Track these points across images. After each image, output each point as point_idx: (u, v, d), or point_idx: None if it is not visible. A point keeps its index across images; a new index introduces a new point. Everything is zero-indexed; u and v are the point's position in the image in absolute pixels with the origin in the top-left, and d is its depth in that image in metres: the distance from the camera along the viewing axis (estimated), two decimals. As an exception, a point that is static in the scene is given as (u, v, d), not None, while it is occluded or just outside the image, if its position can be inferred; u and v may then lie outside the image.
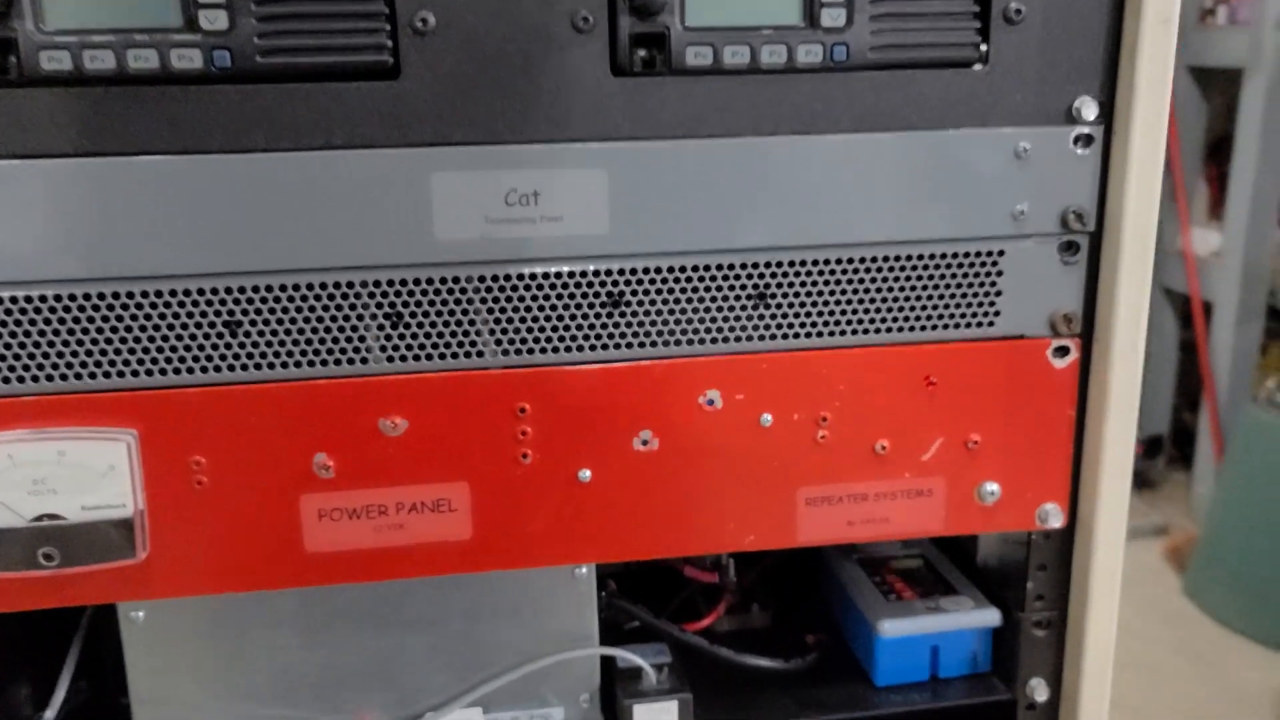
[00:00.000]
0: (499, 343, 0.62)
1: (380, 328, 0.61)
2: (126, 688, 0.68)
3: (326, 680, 0.70)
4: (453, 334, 0.62)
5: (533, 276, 0.61)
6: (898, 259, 0.65)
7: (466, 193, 0.59)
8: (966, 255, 0.65)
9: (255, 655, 0.68)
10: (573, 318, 0.62)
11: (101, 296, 0.58)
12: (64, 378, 0.59)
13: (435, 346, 0.62)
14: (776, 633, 0.83)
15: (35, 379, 0.59)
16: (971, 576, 0.80)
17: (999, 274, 0.66)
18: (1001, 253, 0.65)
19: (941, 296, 0.66)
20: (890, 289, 0.65)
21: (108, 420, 0.60)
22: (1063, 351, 0.68)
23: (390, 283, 0.60)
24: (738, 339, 0.64)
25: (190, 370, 0.60)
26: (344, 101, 0.58)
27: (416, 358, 0.62)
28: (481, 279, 0.61)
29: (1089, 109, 0.63)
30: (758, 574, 0.86)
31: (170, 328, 0.59)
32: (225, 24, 0.55)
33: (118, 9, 0.55)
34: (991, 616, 0.75)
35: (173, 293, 0.59)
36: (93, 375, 0.59)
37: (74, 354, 0.59)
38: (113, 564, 0.61)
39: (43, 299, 0.58)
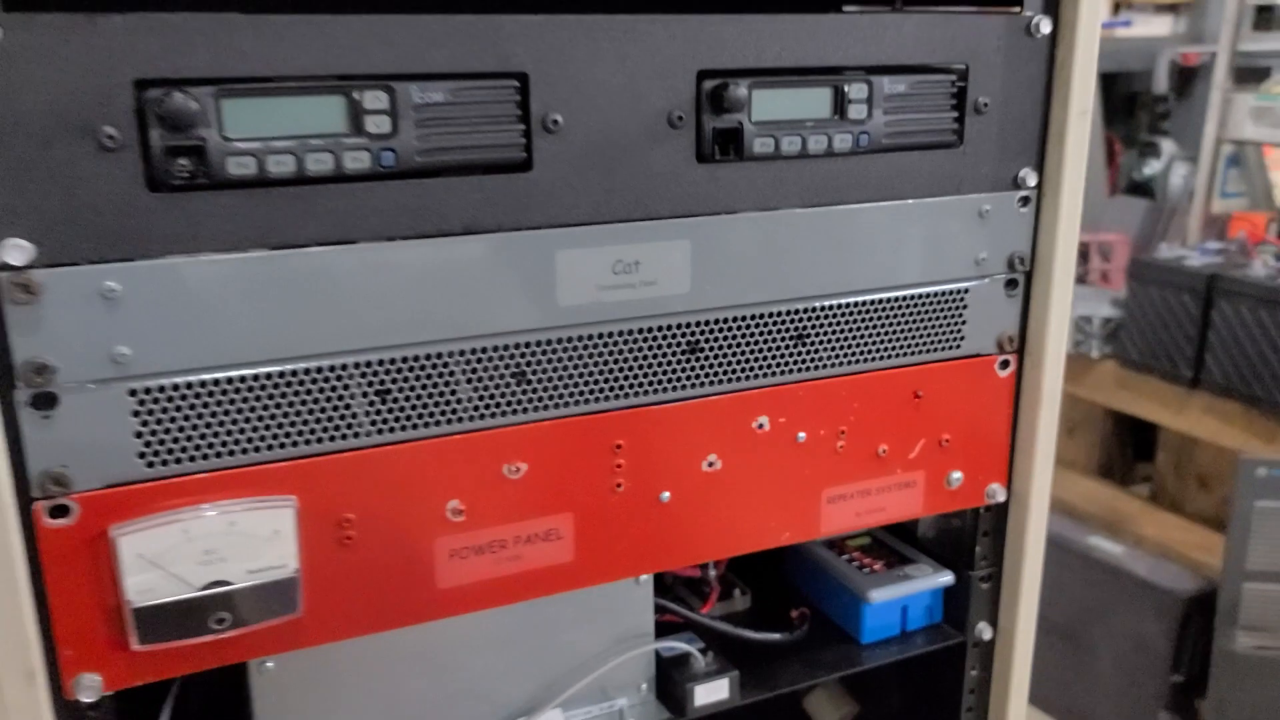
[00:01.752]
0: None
1: (498, 385, 0.69)
2: (249, 735, 0.72)
3: (431, 706, 0.77)
4: (568, 385, 0.71)
5: (633, 332, 0.72)
6: (897, 300, 0.80)
7: (584, 266, 0.69)
8: (944, 294, 0.82)
9: (371, 690, 0.74)
10: (660, 363, 0.74)
11: (269, 377, 0.63)
12: (232, 453, 0.63)
13: (554, 398, 0.71)
14: (759, 613, 0.97)
15: (206, 457, 0.63)
16: (911, 545, 0.98)
17: (965, 307, 0.83)
18: (967, 290, 0.83)
19: (926, 328, 0.82)
20: (891, 324, 0.81)
21: (271, 489, 0.64)
22: (1005, 364, 0.86)
23: (518, 345, 0.69)
24: (782, 372, 0.78)
25: (344, 437, 0.66)
26: (486, 191, 0.65)
27: (538, 409, 0.70)
28: (590, 337, 0.71)
29: (1030, 177, 0.82)
30: (727, 565, 1.00)
31: (329, 400, 0.65)
32: (389, 128, 0.62)
33: (290, 116, 0.60)
34: (947, 578, 0.93)
35: (332, 369, 0.64)
36: (258, 449, 0.64)
37: (242, 431, 0.63)
38: (276, 621, 0.66)
39: (215, 383, 0.62)
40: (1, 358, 0.57)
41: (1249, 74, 3.28)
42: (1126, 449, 2.91)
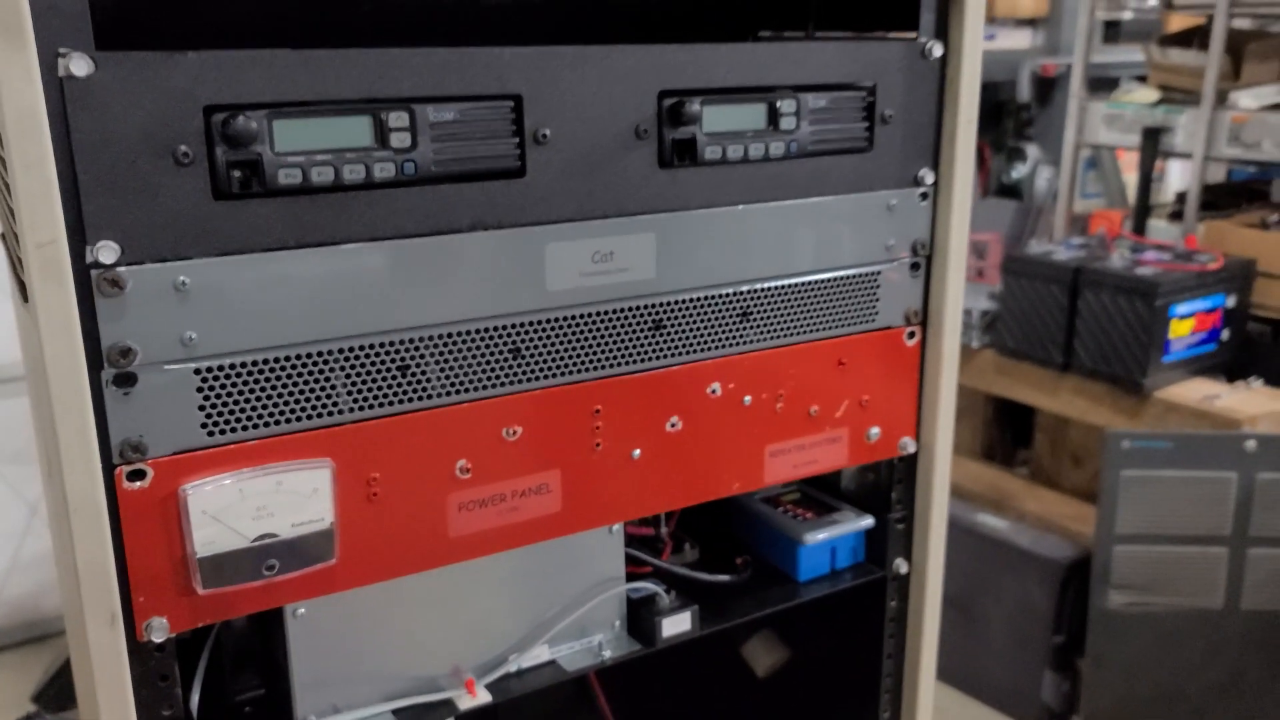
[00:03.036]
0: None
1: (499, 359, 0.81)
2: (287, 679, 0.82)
3: (437, 644, 0.88)
4: (556, 359, 0.83)
5: (608, 312, 0.84)
6: (822, 282, 0.95)
7: (568, 256, 0.81)
8: (860, 276, 0.97)
9: (388, 634, 0.85)
10: (631, 339, 0.86)
11: (309, 356, 0.74)
12: (278, 423, 0.74)
13: (544, 370, 0.83)
14: (708, 562, 1.10)
15: (257, 426, 0.73)
16: (834, 496, 1.13)
17: (878, 287, 0.98)
18: (879, 272, 0.98)
19: (846, 304, 0.97)
20: (818, 302, 0.95)
21: (310, 453, 0.75)
22: (912, 335, 1.01)
23: (515, 325, 0.81)
24: (730, 345, 0.91)
25: (371, 406, 0.77)
26: (488, 194, 0.77)
27: (531, 380, 0.82)
28: (574, 317, 0.83)
29: (929, 176, 0.97)
30: (677, 523, 1.13)
31: (359, 374, 0.76)
32: (410, 142, 0.74)
33: (328, 133, 0.71)
34: (869, 521, 1.07)
35: (363, 348, 0.75)
36: (299, 418, 0.74)
37: (287, 403, 0.74)
38: (315, 568, 0.76)
39: (265, 362, 0.72)
40: (92, 343, 0.66)
41: (1102, 83, 3.58)
42: (1007, 433, 3.13)
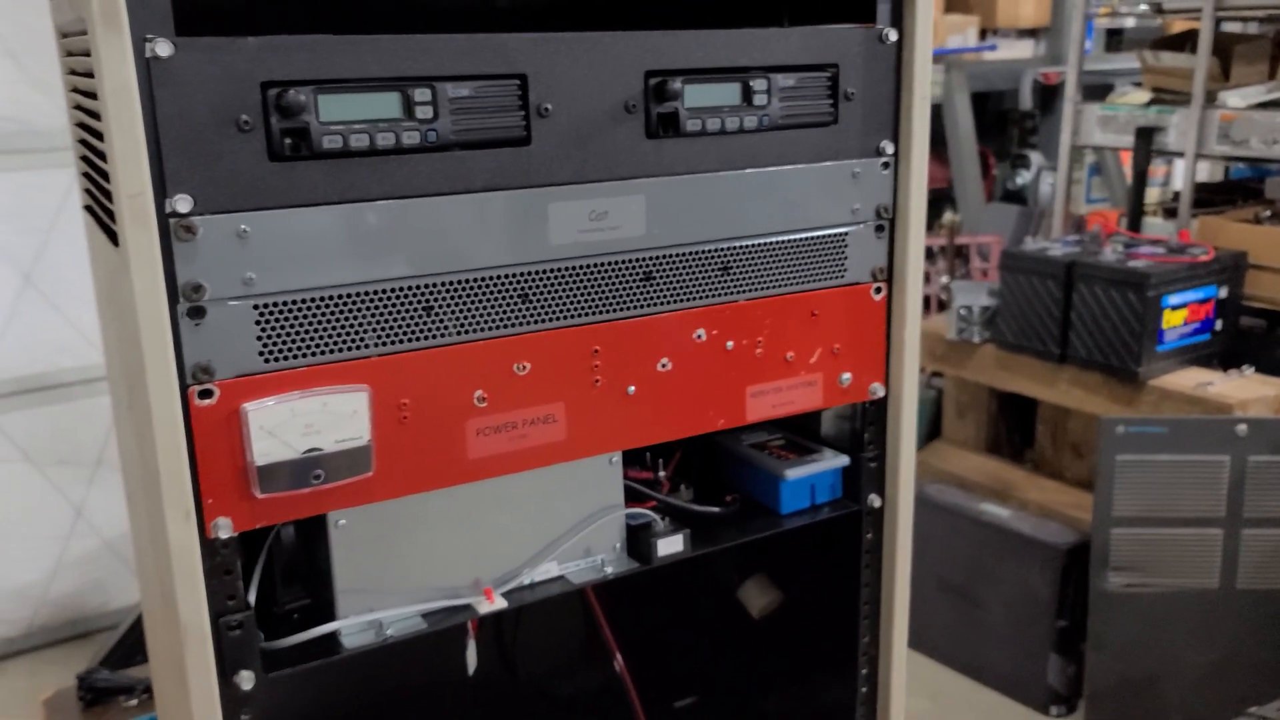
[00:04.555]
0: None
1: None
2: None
3: (459, 557, 1.00)
4: (559, 304, 0.96)
5: (604, 264, 0.97)
6: (795, 241, 1.07)
7: (568, 215, 0.94)
8: (829, 237, 1.09)
9: (418, 547, 0.98)
10: (624, 288, 0.99)
11: (349, 296, 0.87)
12: (323, 353, 0.87)
13: (549, 314, 0.96)
14: (701, 499, 1.22)
15: (306, 355, 0.86)
16: (816, 442, 1.25)
17: (846, 246, 1.11)
18: (847, 234, 1.10)
19: (818, 262, 1.09)
20: (792, 259, 1.08)
21: (350, 380, 0.88)
22: (878, 290, 1.14)
23: (523, 274, 0.94)
24: (713, 295, 1.04)
25: (400, 341, 0.90)
26: (499, 160, 0.91)
27: (537, 321, 0.95)
28: (574, 268, 0.96)
29: (889, 147, 1.10)
30: (675, 467, 1.26)
31: (390, 313, 0.89)
32: (432, 115, 0.87)
33: (364, 106, 0.85)
34: (844, 460, 1.20)
35: (394, 290, 0.89)
36: (341, 349, 0.88)
37: (330, 336, 0.87)
38: (355, 479, 0.89)
39: (312, 300, 0.86)
40: (169, 280, 0.80)
41: (1101, 90, 3.69)
42: (1014, 429, 3.21)
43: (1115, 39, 5.57)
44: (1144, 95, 3.39)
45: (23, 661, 2.74)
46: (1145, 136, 3.24)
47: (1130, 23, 5.31)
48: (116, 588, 2.82)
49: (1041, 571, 2.59)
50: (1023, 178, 4.98)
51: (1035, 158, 4.93)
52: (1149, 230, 3.30)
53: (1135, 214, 3.30)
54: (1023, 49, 5.24)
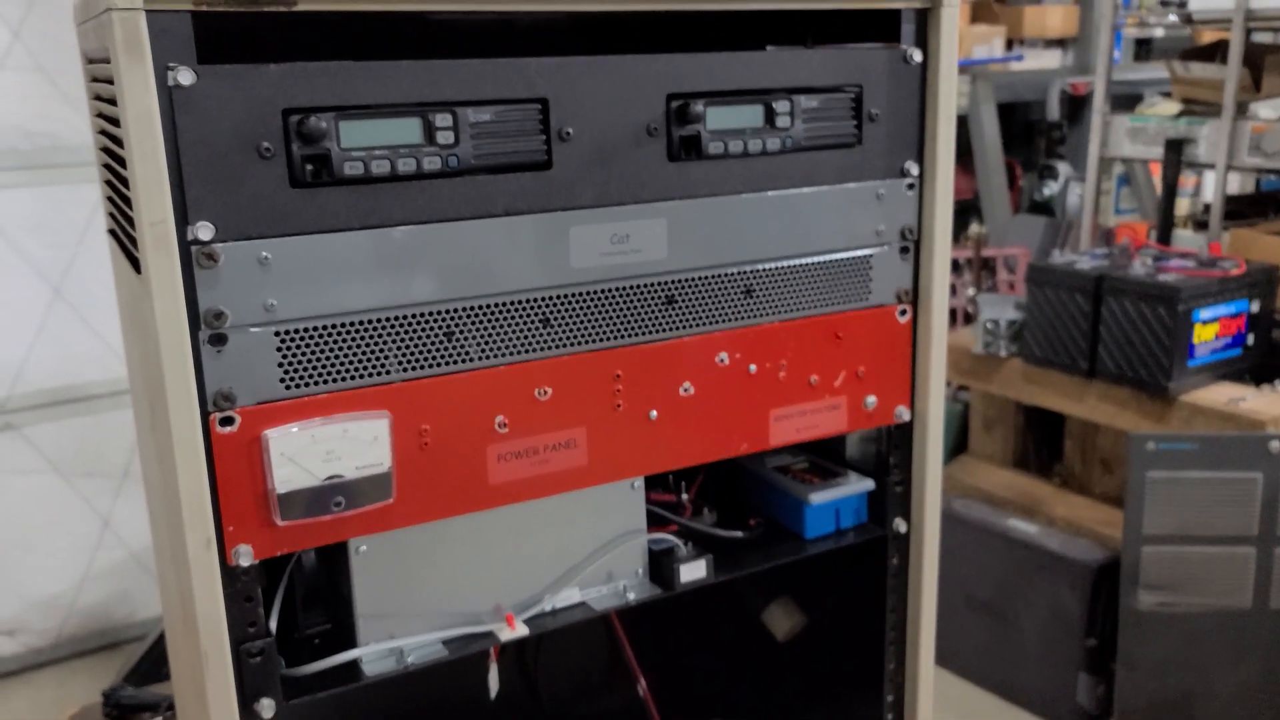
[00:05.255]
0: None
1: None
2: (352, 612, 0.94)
3: (480, 583, 1.00)
4: (581, 328, 0.95)
5: (626, 288, 0.97)
6: (819, 263, 1.06)
7: (590, 238, 0.94)
8: (854, 259, 1.08)
9: (439, 573, 0.97)
10: (646, 312, 0.98)
11: (370, 322, 0.87)
12: (344, 379, 0.87)
13: (571, 338, 0.95)
14: (724, 523, 1.21)
15: (326, 381, 0.86)
16: (840, 464, 1.23)
17: (870, 268, 1.09)
18: (871, 256, 1.09)
19: (842, 284, 1.08)
20: (815, 281, 1.07)
21: (371, 406, 0.88)
22: (904, 312, 1.12)
23: (544, 299, 0.93)
24: (736, 319, 1.03)
25: (421, 367, 0.90)
26: (520, 184, 0.90)
27: (559, 346, 0.95)
28: (596, 292, 0.95)
29: (914, 167, 1.09)
30: (697, 490, 1.25)
31: (411, 339, 0.89)
32: (453, 140, 0.87)
33: (385, 132, 0.84)
34: (869, 484, 1.18)
35: (415, 315, 0.88)
36: (361, 375, 0.87)
37: (351, 362, 0.87)
38: (376, 505, 0.89)
39: (334, 326, 0.85)
40: (191, 308, 0.80)
41: (1131, 100, 3.66)
42: (1040, 442, 3.18)
43: (1143, 49, 5.52)
44: (1174, 106, 3.35)
45: (51, 672, 2.76)
46: (1175, 148, 3.21)
47: (1159, 33, 5.26)
48: (143, 599, 2.84)
49: (1071, 589, 2.56)
50: (1050, 189, 4.93)
51: (1063, 168, 4.89)
52: (1179, 243, 3.26)
53: (1165, 227, 3.27)
54: (1050, 59, 5.20)
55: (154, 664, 2.45)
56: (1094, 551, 2.60)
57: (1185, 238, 3.34)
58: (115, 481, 2.78)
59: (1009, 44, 5.07)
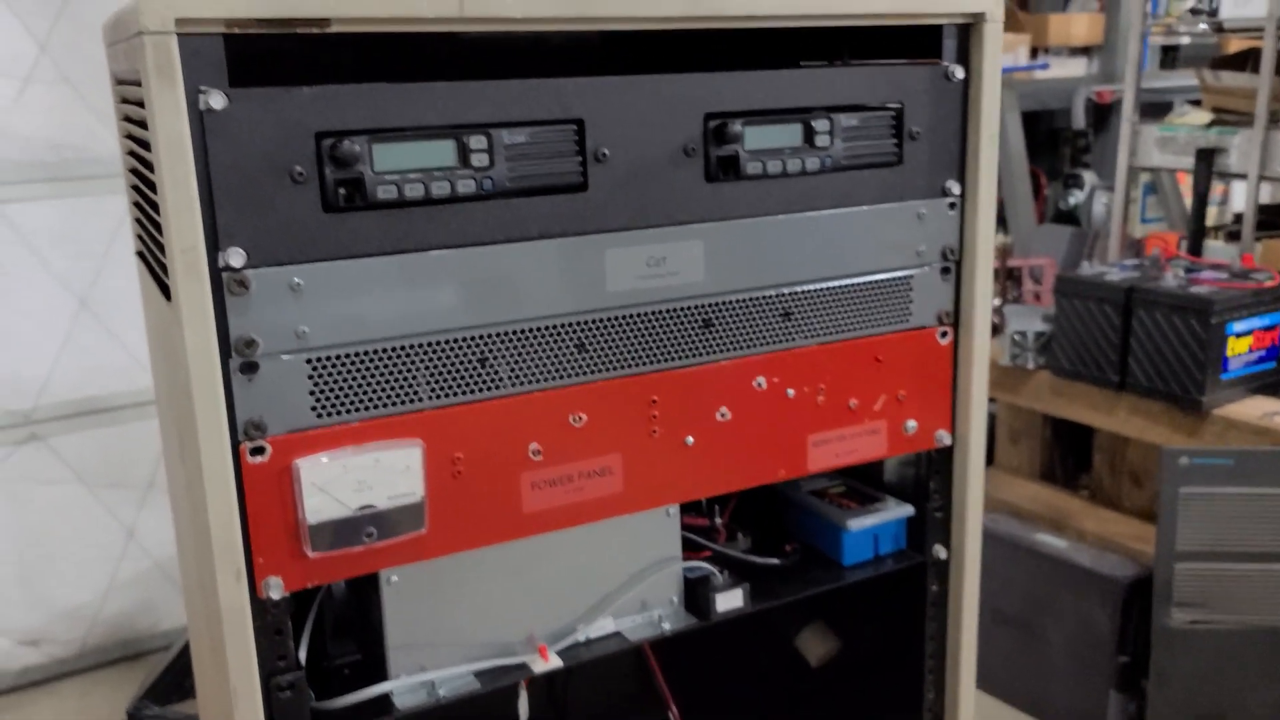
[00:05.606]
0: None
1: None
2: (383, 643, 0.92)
3: (513, 613, 0.97)
4: (616, 353, 0.93)
5: (662, 311, 0.95)
6: (859, 285, 1.04)
7: (625, 261, 0.92)
8: (894, 280, 1.06)
9: (470, 603, 0.95)
10: (683, 335, 0.96)
11: (403, 348, 0.85)
12: (375, 406, 0.85)
13: (606, 363, 0.93)
14: (759, 549, 1.18)
15: (358, 409, 0.84)
16: (877, 488, 1.21)
17: (910, 289, 1.07)
18: (911, 276, 1.07)
19: (881, 306, 1.06)
20: (855, 303, 1.04)
21: (403, 434, 0.86)
22: (944, 334, 1.10)
23: (579, 323, 0.91)
24: (774, 342, 1.01)
25: (455, 393, 0.88)
26: (555, 207, 0.88)
27: (594, 371, 0.93)
28: (632, 315, 0.93)
29: (955, 187, 1.06)
30: (730, 514, 1.22)
31: (444, 365, 0.87)
32: (488, 162, 0.85)
33: (418, 155, 0.83)
34: (909, 510, 1.16)
35: (448, 342, 0.86)
36: (394, 403, 0.85)
37: (383, 389, 0.85)
38: (407, 536, 0.87)
39: (366, 353, 0.83)
40: (222, 336, 0.78)
41: (1158, 108, 3.61)
42: (1068, 455, 3.14)
43: (1170, 56, 5.47)
44: (1204, 116, 3.31)
45: (75, 682, 2.76)
46: (1206, 158, 3.16)
47: (1185, 40, 5.21)
48: (166, 609, 2.84)
49: (1102, 605, 2.53)
50: (1075, 198, 4.89)
51: (1088, 177, 4.84)
52: (1210, 254, 3.22)
53: (1196, 237, 3.22)
54: (1075, 67, 5.16)
55: (177, 676, 2.45)
56: (1125, 567, 2.56)
57: (1216, 248, 3.29)
58: (139, 492, 2.78)
59: (1034, 52, 5.03)
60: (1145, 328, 2.61)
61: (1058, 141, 4.98)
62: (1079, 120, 4.78)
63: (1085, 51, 5.21)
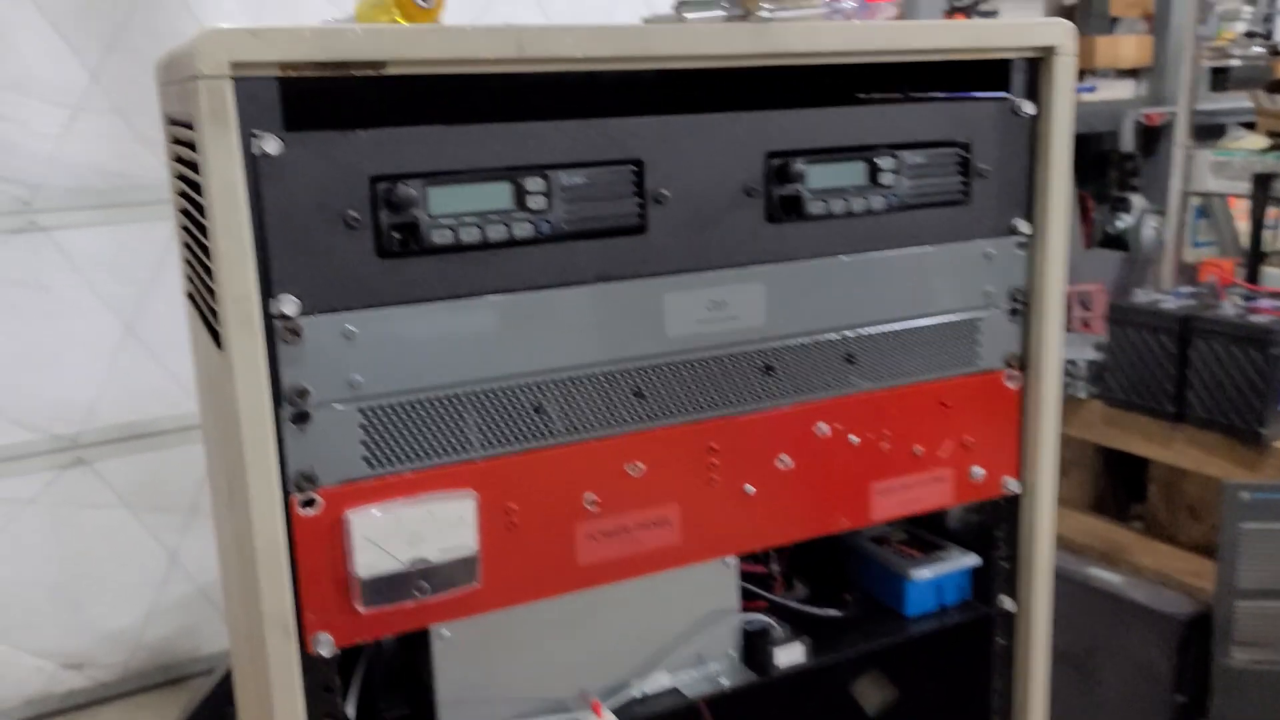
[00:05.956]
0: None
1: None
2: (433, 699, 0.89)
3: (566, 667, 0.94)
4: (675, 399, 0.90)
5: (722, 356, 0.91)
6: (924, 327, 1.00)
7: (685, 305, 0.89)
8: (960, 322, 1.02)
9: (522, 658, 0.92)
10: (743, 381, 0.93)
11: (457, 397, 0.82)
12: (429, 456, 0.82)
13: (664, 410, 0.90)
14: (818, 597, 1.14)
15: (411, 459, 0.81)
16: (939, 535, 1.16)
17: (977, 332, 1.03)
18: (979, 319, 1.03)
19: (948, 349, 1.02)
20: (920, 346, 1.00)
21: (457, 484, 0.83)
22: (1013, 378, 1.06)
23: (637, 369, 0.88)
24: (837, 387, 0.97)
25: (509, 442, 0.85)
26: (613, 249, 0.86)
27: (652, 419, 0.90)
28: (690, 362, 0.90)
29: (1024, 226, 1.02)
30: (787, 561, 1.18)
31: (500, 413, 0.84)
32: (545, 205, 0.82)
33: (475, 198, 0.80)
34: (975, 560, 1.11)
35: (503, 389, 0.84)
36: (447, 453, 0.83)
37: (436, 439, 0.82)
38: (460, 590, 0.84)
39: (419, 402, 0.81)
40: (274, 385, 0.76)
41: (1209, 131, 3.54)
42: (1117, 485, 3.07)
43: (1220, 78, 5.37)
44: (1260, 140, 3.24)
45: (116, 707, 2.76)
46: (1263, 183, 3.09)
47: (1236, 63, 5.12)
48: (208, 634, 2.84)
49: (1158, 643, 2.45)
50: (1124, 221, 4.79)
51: (1137, 201, 4.75)
52: (1268, 282, 3.14)
53: (1253, 265, 3.14)
54: (1123, 89, 5.07)
55: (219, 703, 2.44)
56: (1182, 604, 2.49)
57: (1275, 276, 3.21)
58: (182, 516, 2.79)
59: (1081, 74, 4.96)
60: (1203, 357, 2.55)
61: (1105, 165, 4.89)
62: (1127, 143, 4.70)
63: (1133, 73, 5.13)
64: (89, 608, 2.70)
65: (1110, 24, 5.15)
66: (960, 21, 1.01)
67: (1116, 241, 4.75)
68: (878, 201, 0.95)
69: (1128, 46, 5.02)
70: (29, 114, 2.41)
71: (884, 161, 0.95)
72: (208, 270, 0.79)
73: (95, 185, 2.52)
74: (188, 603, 2.83)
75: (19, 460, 2.57)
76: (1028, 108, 0.99)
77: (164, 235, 2.58)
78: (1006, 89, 1.00)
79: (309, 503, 0.78)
